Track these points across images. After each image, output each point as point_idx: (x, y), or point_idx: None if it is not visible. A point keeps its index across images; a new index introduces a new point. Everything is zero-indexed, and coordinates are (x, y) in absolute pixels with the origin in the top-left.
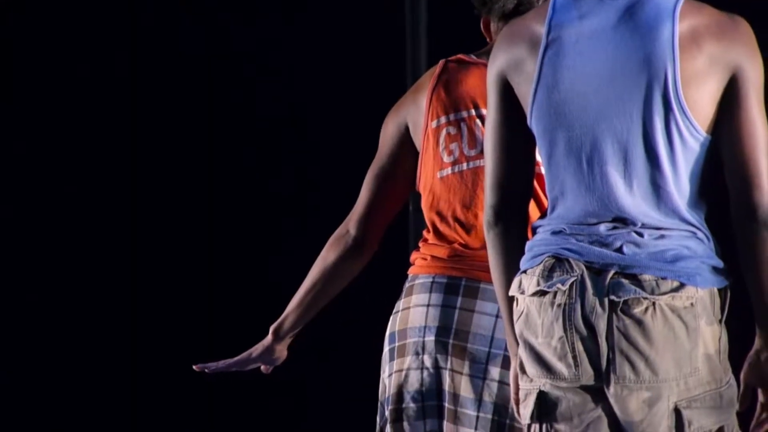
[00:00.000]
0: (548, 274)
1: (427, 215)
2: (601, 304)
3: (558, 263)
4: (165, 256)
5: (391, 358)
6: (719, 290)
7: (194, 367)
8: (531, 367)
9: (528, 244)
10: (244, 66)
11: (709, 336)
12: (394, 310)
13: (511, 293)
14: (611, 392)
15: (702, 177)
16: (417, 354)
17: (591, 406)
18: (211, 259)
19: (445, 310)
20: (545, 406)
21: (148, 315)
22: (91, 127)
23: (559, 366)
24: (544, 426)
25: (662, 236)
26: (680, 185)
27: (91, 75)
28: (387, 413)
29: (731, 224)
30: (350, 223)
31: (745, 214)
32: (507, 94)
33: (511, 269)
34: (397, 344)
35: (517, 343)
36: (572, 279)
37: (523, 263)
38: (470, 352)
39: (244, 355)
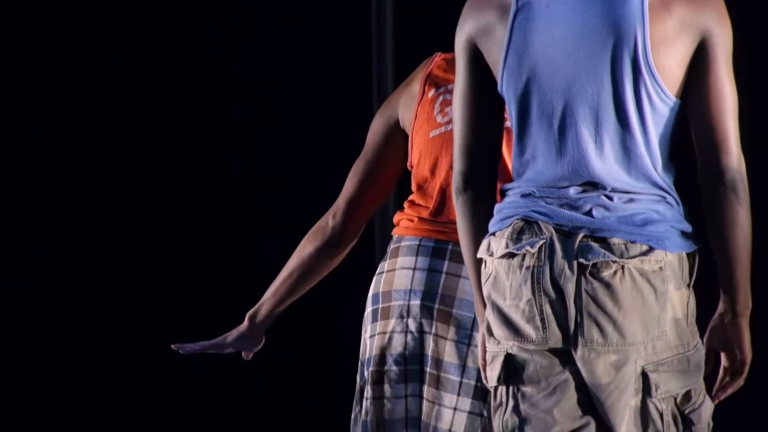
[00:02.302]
0: (517, 237)
1: (415, 174)
2: (570, 267)
3: (527, 226)
4: (155, 244)
5: (374, 320)
6: (688, 254)
7: (172, 346)
8: (498, 330)
9: (497, 206)
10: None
11: (678, 300)
12: (378, 271)
13: (479, 255)
14: (579, 355)
15: (671, 141)
16: (402, 317)
17: (558, 369)
18: (200, 246)
19: (431, 275)
20: (512, 369)
21: (139, 304)
22: (74, 110)
23: (527, 328)
24: (511, 389)
25: (632, 200)
26: (650, 149)
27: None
28: (367, 374)
29: (699, 188)
30: (331, 216)
31: (712, 178)
32: (476, 60)
33: (479, 234)
34: (381, 306)
35: (485, 306)
36: (541, 241)
37: (492, 226)
38: (455, 317)
39: (220, 339)
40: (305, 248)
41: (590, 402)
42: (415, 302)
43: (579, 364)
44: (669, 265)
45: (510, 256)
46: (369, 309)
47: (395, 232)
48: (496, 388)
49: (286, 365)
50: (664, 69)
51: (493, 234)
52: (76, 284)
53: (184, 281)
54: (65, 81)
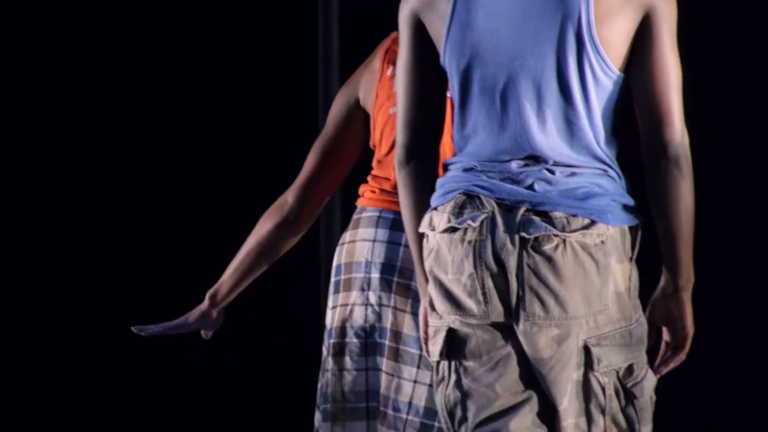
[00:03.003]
0: (459, 211)
1: (378, 150)
2: (512, 241)
3: (469, 200)
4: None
5: (336, 291)
6: (630, 228)
7: (132, 328)
8: (440, 304)
9: (439, 181)
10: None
11: (620, 274)
12: (340, 242)
13: (421, 230)
14: (521, 329)
15: (614, 115)
16: (362, 290)
17: (500, 344)
18: (201, 247)
19: (390, 247)
20: (454, 344)
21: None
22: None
23: (469, 303)
24: (453, 363)
25: (574, 174)
26: (593, 123)
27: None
28: (329, 345)
29: (642, 162)
30: (290, 194)
31: (655, 152)
32: (420, 32)
33: (421, 207)
34: (342, 277)
35: (427, 280)
36: (483, 216)
37: (434, 200)
38: (414, 290)
39: (181, 319)
40: (263, 226)
41: (532, 376)
42: (375, 275)
43: (521, 338)
44: (611, 238)
45: (452, 230)
46: (332, 280)
47: (358, 203)
48: (438, 363)
49: (286, 365)
50: (608, 42)
51: (435, 209)
52: (76, 284)
53: (184, 281)
54: (65, 81)
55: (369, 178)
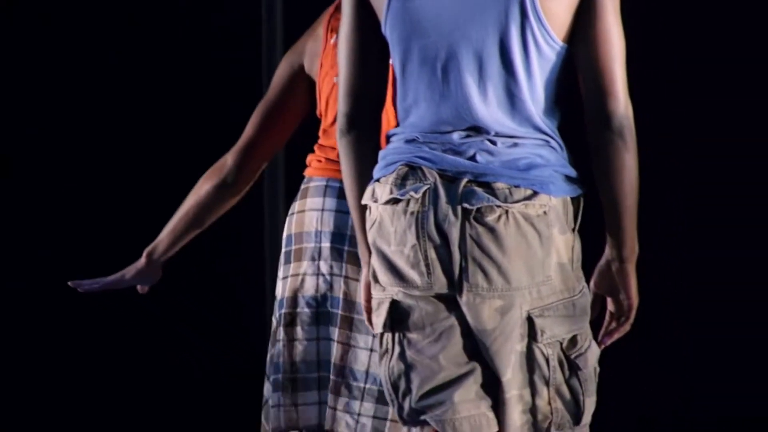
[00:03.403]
0: (401, 182)
1: (323, 119)
2: (454, 212)
3: (411, 171)
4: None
5: (287, 261)
6: (572, 199)
7: (69, 283)
8: (383, 276)
9: (381, 153)
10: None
11: (562, 244)
12: (290, 212)
13: (363, 201)
14: (464, 300)
15: (557, 86)
16: (313, 260)
17: (444, 315)
18: (201, 246)
19: (339, 216)
20: (397, 315)
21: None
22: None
23: (412, 274)
24: (396, 335)
25: (516, 144)
26: (535, 94)
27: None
28: (280, 316)
29: (585, 133)
30: (230, 155)
31: (599, 123)
32: (362, 1)
33: (364, 177)
34: (293, 247)
35: (370, 252)
36: (425, 187)
37: (376, 172)
38: None
39: (118, 275)
40: (202, 187)
41: (476, 348)
42: (326, 244)
43: (464, 309)
44: (553, 209)
45: (394, 201)
46: (283, 251)
47: (306, 173)
48: (381, 335)
49: (233, 340)
50: (551, 13)
51: (378, 180)
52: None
53: (184, 282)
54: (65, 81)
55: (315, 148)
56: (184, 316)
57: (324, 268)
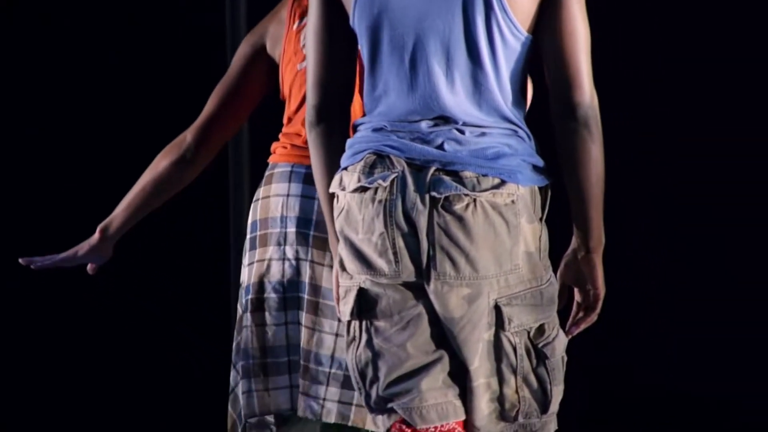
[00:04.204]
0: (369, 171)
1: (287, 106)
2: (422, 201)
3: (379, 160)
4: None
5: (252, 247)
6: (540, 188)
7: (20, 260)
8: (351, 264)
9: (349, 141)
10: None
11: (530, 234)
12: (254, 198)
13: (331, 190)
14: (431, 289)
15: (523, 76)
16: (279, 245)
17: (411, 303)
18: (201, 246)
19: (305, 201)
20: (365, 303)
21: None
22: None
23: (380, 262)
24: (364, 323)
25: (483, 134)
26: (501, 84)
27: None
28: (246, 301)
29: (551, 124)
30: (189, 133)
31: (564, 113)
32: None
33: (333, 167)
34: (258, 233)
35: (338, 240)
36: (393, 175)
37: (344, 160)
38: None
39: (71, 252)
40: (160, 163)
41: (444, 336)
42: (291, 229)
43: (432, 297)
44: (521, 198)
45: (362, 190)
46: (248, 237)
47: (270, 159)
48: (349, 323)
49: (197, 329)
50: (516, 4)
51: (345, 168)
52: (77, 284)
53: (184, 282)
54: (65, 81)
55: (280, 135)
56: (184, 316)
57: (290, 253)
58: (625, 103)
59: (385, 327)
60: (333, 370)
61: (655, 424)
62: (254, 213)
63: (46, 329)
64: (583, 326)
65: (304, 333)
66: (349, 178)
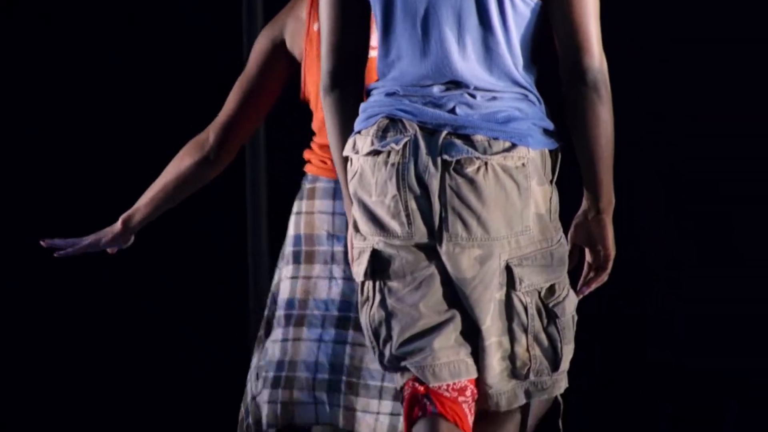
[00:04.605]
0: (382, 135)
1: (316, 116)
2: (434, 164)
3: (392, 124)
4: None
5: (297, 261)
6: (550, 151)
7: (42, 242)
8: (365, 226)
9: (362, 106)
10: None
11: (540, 196)
12: (296, 210)
13: (345, 153)
14: (443, 250)
15: (533, 41)
16: (325, 263)
17: (424, 264)
18: (202, 245)
19: None
20: (378, 264)
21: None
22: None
23: (393, 224)
24: (377, 284)
25: (494, 98)
26: (512, 49)
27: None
28: (286, 313)
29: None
30: (211, 131)
31: (574, 78)
32: None
33: (347, 131)
34: (303, 249)
35: (352, 203)
36: (406, 139)
37: (357, 124)
38: None
39: (94, 239)
40: (183, 161)
41: (456, 296)
42: (339, 248)
43: (444, 258)
44: (531, 161)
45: (375, 153)
46: (289, 249)
47: (309, 170)
48: (363, 283)
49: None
50: None
51: (359, 132)
52: (76, 284)
53: (185, 282)
54: (65, 81)
55: (314, 146)
56: (184, 316)
57: (337, 272)
58: (633, 83)
59: (398, 287)
60: (385, 384)
61: (662, 399)
62: (297, 227)
63: (46, 329)
64: (594, 286)
65: (354, 350)
66: (362, 141)
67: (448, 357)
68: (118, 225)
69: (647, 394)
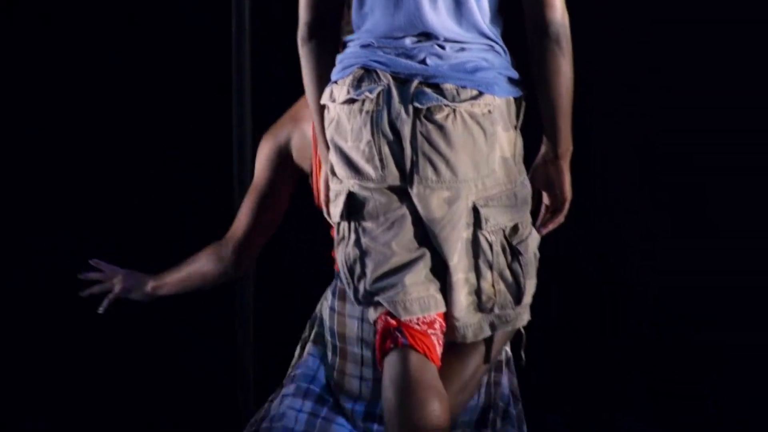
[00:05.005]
0: (357, 84)
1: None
2: (406, 111)
3: (366, 74)
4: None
5: (334, 353)
6: (515, 99)
7: (99, 310)
8: (341, 170)
9: (338, 57)
10: None
11: (505, 141)
12: (330, 307)
13: (322, 102)
14: (414, 192)
15: None
16: (356, 363)
17: (396, 205)
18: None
19: None
20: (353, 206)
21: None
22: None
23: (367, 168)
24: (352, 224)
25: (463, 49)
26: (480, 2)
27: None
28: (320, 395)
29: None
30: (229, 247)
31: (538, 31)
32: None
33: (323, 81)
34: (338, 345)
35: (328, 148)
36: (379, 88)
37: (334, 74)
38: None
39: (121, 290)
40: (205, 265)
41: (426, 235)
42: (368, 353)
43: (415, 200)
44: (497, 108)
45: (351, 101)
46: (327, 338)
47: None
48: (338, 224)
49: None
50: None
51: (335, 82)
52: (76, 284)
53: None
54: (65, 81)
55: None
56: (184, 316)
57: (367, 373)
58: (609, 57)
59: (371, 227)
60: None
61: (636, 370)
62: (332, 320)
63: (47, 329)
64: (551, 227)
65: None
66: (339, 90)
67: (419, 292)
68: (148, 288)
69: (622, 365)
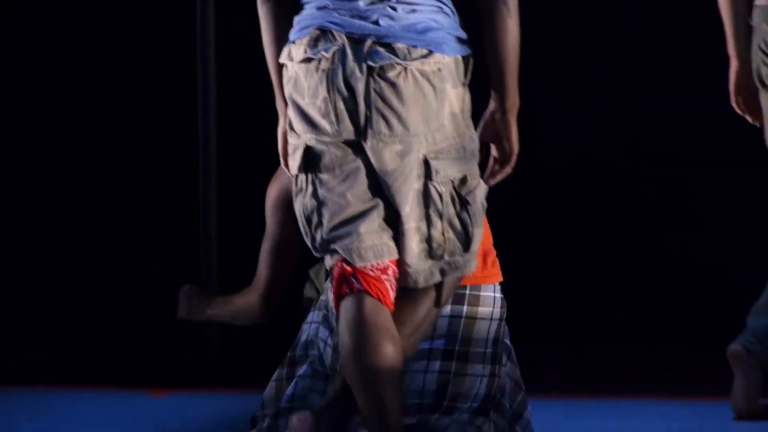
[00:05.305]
0: (314, 44)
1: None
2: (360, 69)
3: (323, 34)
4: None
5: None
6: (463, 57)
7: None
8: (298, 125)
9: (296, 18)
10: None
11: (454, 97)
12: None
13: (281, 61)
14: (368, 146)
15: None
16: None
17: (351, 158)
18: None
19: None
20: (311, 159)
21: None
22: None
23: (323, 123)
24: (309, 176)
25: (413, 10)
26: None
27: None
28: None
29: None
30: (254, 298)
31: None
32: None
33: (281, 40)
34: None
35: (286, 105)
36: (335, 48)
37: (292, 35)
38: None
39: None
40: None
41: (379, 186)
42: None
43: (369, 153)
44: (446, 66)
45: (308, 60)
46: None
47: None
48: (296, 177)
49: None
50: None
51: (293, 42)
52: (76, 284)
53: (185, 283)
54: (65, 81)
55: None
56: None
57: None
58: (598, 53)
59: (328, 179)
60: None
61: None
62: None
63: (47, 329)
64: (498, 177)
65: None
66: (296, 50)
67: (373, 240)
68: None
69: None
